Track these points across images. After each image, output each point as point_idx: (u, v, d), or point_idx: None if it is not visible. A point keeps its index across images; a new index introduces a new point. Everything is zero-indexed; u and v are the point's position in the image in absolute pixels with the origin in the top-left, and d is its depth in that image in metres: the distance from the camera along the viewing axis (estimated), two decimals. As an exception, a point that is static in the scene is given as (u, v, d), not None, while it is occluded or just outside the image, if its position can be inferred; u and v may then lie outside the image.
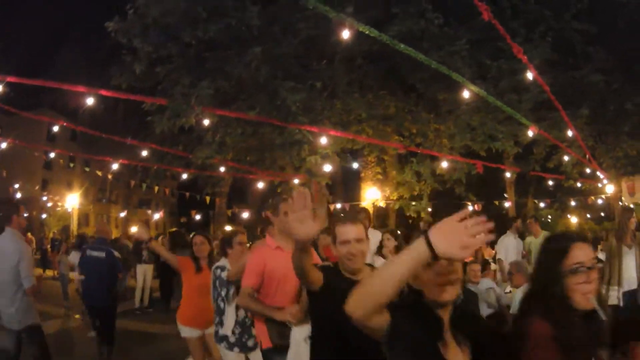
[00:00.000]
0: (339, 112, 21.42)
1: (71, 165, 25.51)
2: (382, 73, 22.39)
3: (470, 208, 24.28)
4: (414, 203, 26.72)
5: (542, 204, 32.22)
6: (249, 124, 19.47)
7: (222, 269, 7.29)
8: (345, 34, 10.22)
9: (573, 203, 31.89)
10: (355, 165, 25.01)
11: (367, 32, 10.44)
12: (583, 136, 20.80)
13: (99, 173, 26.29)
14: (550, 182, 28.42)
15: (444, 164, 21.50)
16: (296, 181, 22.98)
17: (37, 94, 41.42)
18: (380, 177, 27.43)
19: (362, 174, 27.90)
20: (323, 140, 17.99)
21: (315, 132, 17.93)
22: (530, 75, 14.36)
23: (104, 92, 13.58)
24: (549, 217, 43.24)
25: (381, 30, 17.06)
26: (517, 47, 12.22)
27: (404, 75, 21.85)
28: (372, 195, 26.99)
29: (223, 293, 7.22)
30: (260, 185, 24.41)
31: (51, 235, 41.58)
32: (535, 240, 12.87)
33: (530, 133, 17.51)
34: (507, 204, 27.67)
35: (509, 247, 13.30)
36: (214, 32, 17.53)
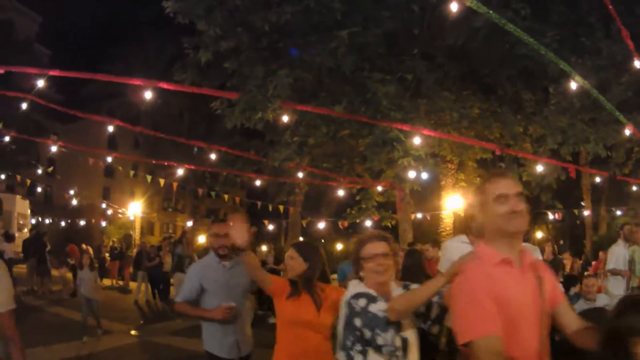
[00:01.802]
0: (426, 112, 19.01)
1: (131, 172, 23.70)
2: (462, 73, 20.25)
3: (550, 217, 24.08)
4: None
5: (618, 212, 29.20)
6: (334, 121, 17.63)
7: (370, 298, 4.21)
8: (454, 7, 9.59)
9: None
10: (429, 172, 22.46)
11: (475, 8, 9.50)
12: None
13: (162, 181, 24.00)
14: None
15: (540, 168, 19.48)
16: (379, 188, 21.69)
17: (95, 101, 40.98)
18: (464, 184, 25.14)
19: (443, 182, 25.54)
20: (416, 141, 15.86)
21: (407, 131, 15.89)
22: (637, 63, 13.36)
23: (164, 85, 12.43)
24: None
25: (468, 21, 14.93)
26: (625, 30, 11.95)
27: (482, 75, 19.91)
28: (452, 204, 25.02)
29: (367, 336, 4.15)
30: (335, 193, 23.25)
31: (110, 243, 41.79)
32: (639, 249, 11.85)
33: (627, 132, 15.73)
34: (585, 213, 25.90)
35: (619, 257, 12.25)
36: (291, 16, 15.26)
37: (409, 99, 17.88)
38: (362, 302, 4.15)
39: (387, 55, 17.43)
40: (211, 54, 16.02)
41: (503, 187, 3.46)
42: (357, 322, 4.11)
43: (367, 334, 4.02)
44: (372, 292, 4.17)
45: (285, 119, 15.32)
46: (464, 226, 6.53)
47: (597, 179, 23.76)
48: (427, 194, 26.92)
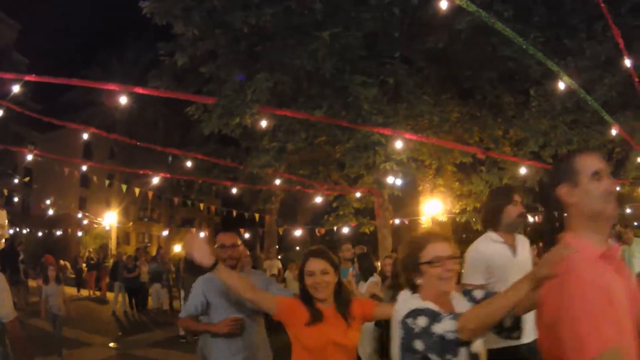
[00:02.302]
0: (405, 117, 18.68)
1: (107, 182, 23.27)
2: (442, 76, 20.05)
3: (530, 219, 23.16)
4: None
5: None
6: (314, 126, 17.31)
7: (432, 316, 3.49)
8: (444, 4, 9.42)
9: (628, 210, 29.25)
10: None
11: (465, 7, 9.38)
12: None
13: (137, 190, 23.59)
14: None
15: (523, 171, 19.13)
16: (358, 194, 21.54)
17: (72, 110, 40.81)
18: (442, 189, 24.66)
19: (420, 187, 25.14)
20: (398, 145, 15.37)
21: (389, 136, 15.43)
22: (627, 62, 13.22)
23: (140, 90, 11.85)
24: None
25: (452, 22, 14.70)
26: (615, 28, 11.99)
27: (462, 79, 19.71)
28: (431, 209, 24.79)
29: None
30: (312, 200, 22.73)
31: (87, 254, 41.32)
32: (629, 248, 11.95)
33: (613, 132, 15.69)
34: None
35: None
36: (270, 17, 14.99)
37: (388, 103, 17.67)
38: (422, 321, 3.40)
39: (368, 57, 17.11)
40: (188, 57, 15.70)
41: (598, 164, 2.94)
42: (419, 345, 3.37)
43: (435, 358, 3.32)
44: (433, 306, 3.49)
45: (263, 124, 14.58)
46: (489, 222, 5.71)
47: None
48: (405, 200, 26.57)
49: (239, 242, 5.83)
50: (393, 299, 3.88)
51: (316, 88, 16.24)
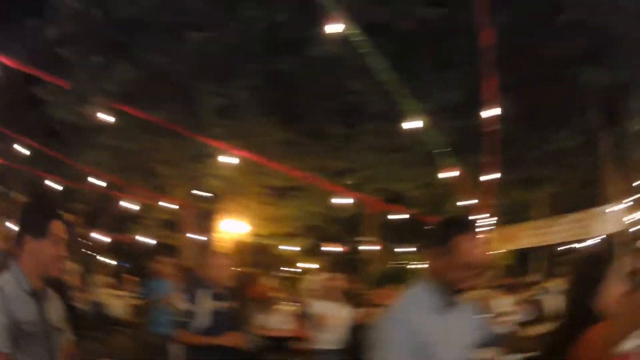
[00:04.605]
0: (237, 134, 18.49)
1: None
2: (278, 98, 19.79)
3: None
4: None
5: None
6: (152, 129, 16.44)
7: None
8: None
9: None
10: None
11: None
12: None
13: None
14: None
15: (341, 201, 19.95)
16: (170, 205, 21.01)
17: None
18: (253, 211, 24.34)
19: (230, 205, 24.77)
20: (228, 159, 15.88)
21: (220, 149, 15.71)
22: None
23: None
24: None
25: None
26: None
27: (295, 104, 19.89)
28: (230, 228, 24.12)
29: None
30: (121, 206, 22.03)
31: None
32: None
33: (447, 174, 17.06)
34: (371, 247, 25.29)
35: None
36: (141, 10, 14.63)
37: (224, 117, 17.78)
38: None
39: (226, 67, 17.04)
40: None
41: None
42: None
43: None
44: None
45: (106, 118, 13.92)
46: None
47: (393, 216, 24.25)
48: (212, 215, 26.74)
49: None
50: None
51: (166, 90, 16.00)
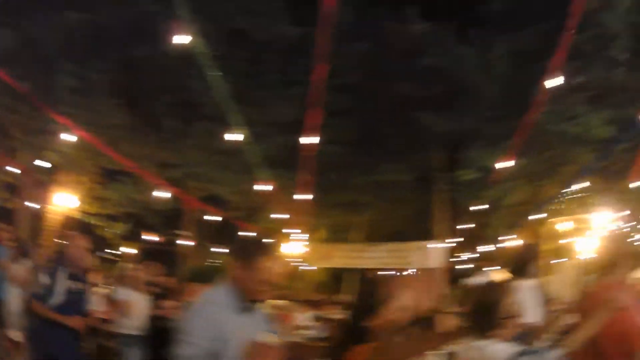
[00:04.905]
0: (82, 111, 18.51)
1: None
2: (125, 85, 20.16)
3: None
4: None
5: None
6: (10, 93, 16.34)
7: None
8: None
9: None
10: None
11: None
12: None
13: None
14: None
15: (163, 193, 20.04)
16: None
17: None
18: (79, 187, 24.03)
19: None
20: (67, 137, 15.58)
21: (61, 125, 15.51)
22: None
23: None
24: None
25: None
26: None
27: (140, 92, 20.28)
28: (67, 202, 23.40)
29: None
30: None
31: None
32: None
33: (260, 187, 17.72)
34: (188, 243, 25.71)
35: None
36: None
37: (75, 95, 17.87)
38: None
39: (90, 48, 17.30)
40: None
41: None
42: None
43: None
44: None
45: None
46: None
47: (210, 217, 24.42)
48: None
49: None
50: None
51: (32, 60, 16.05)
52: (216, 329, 3.24)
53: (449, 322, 5.87)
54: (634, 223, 21.97)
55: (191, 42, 11.82)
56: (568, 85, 18.53)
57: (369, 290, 4.17)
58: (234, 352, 3.22)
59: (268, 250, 3.53)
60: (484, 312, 3.50)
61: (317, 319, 12.11)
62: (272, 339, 3.25)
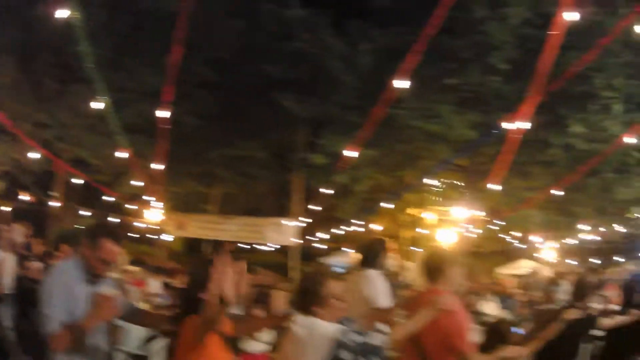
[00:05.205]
0: None
1: None
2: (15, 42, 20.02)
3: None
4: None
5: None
6: None
7: None
8: None
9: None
10: None
11: None
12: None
13: None
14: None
15: (34, 154, 19.57)
16: None
17: None
18: None
19: None
20: None
21: None
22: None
23: None
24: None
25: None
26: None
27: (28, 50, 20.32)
28: None
29: None
30: None
31: None
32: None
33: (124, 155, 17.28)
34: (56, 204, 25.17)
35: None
36: None
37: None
38: None
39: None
40: None
41: None
42: None
43: None
44: None
45: None
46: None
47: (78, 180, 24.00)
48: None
49: None
50: None
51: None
52: (68, 295, 3.81)
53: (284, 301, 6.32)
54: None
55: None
56: (438, 85, 19.57)
57: (204, 262, 4.03)
58: (83, 312, 3.81)
59: (111, 234, 4.01)
60: (307, 292, 3.92)
61: (167, 287, 11.94)
62: (110, 291, 3.89)
